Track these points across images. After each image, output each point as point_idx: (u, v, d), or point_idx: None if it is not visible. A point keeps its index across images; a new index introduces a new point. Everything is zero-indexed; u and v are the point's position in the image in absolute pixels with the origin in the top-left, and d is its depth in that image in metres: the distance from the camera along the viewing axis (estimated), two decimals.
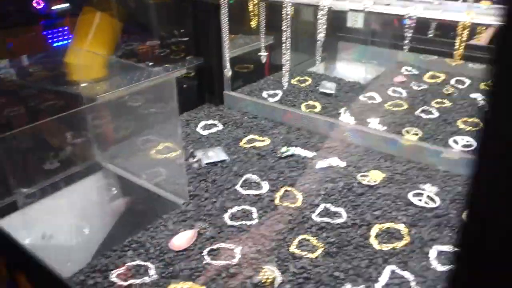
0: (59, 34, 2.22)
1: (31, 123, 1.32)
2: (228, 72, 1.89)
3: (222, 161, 1.65)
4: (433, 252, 1.23)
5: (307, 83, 2.34)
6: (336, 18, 2.64)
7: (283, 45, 1.61)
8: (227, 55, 1.85)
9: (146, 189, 1.50)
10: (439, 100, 2.13)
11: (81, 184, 1.59)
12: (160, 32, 2.58)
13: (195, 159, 1.63)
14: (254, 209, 1.40)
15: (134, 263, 1.18)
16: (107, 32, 1.88)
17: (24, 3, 2.09)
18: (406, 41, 1.41)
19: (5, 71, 1.97)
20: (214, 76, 1.97)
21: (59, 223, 1.26)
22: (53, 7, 2.17)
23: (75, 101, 1.61)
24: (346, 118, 1.94)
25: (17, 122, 1.84)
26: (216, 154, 1.66)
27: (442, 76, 2.41)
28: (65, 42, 2.20)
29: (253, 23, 1.69)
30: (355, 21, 2.74)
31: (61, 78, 1.84)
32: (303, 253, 1.23)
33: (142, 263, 1.18)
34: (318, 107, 2.05)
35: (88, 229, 1.38)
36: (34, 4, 2.09)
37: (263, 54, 1.98)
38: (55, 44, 2.22)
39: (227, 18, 1.79)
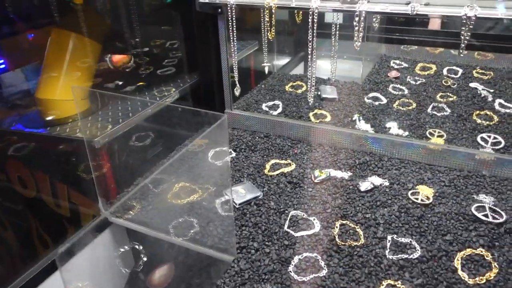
0: None
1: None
2: (237, 90, 1.64)
3: (255, 197, 1.42)
4: None
5: (303, 88, 2.15)
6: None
7: (309, 57, 1.41)
8: (236, 68, 1.58)
9: (180, 247, 1.24)
10: (442, 93, 2.05)
11: (91, 249, 1.29)
12: (144, 48, 2.09)
13: (224, 200, 1.39)
14: (317, 256, 1.20)
15: None
16: (85, 57, 1.56)
17: None
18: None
19: None
20: (213, 94, 1.72)
21: None
22: None
23: (73, 146, 1.29)
24: (363, 125, 1.79)
25: None
26: (247, 191, 1.43)
27: (433, 67, 2.33)
28: None
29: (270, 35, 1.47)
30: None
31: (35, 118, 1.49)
32: None
33: None
34: (328, 116, 1.88)
35: None
36: None
37: (266, 64, 1.76)
38: None
39: (233, 24, 1.52)
